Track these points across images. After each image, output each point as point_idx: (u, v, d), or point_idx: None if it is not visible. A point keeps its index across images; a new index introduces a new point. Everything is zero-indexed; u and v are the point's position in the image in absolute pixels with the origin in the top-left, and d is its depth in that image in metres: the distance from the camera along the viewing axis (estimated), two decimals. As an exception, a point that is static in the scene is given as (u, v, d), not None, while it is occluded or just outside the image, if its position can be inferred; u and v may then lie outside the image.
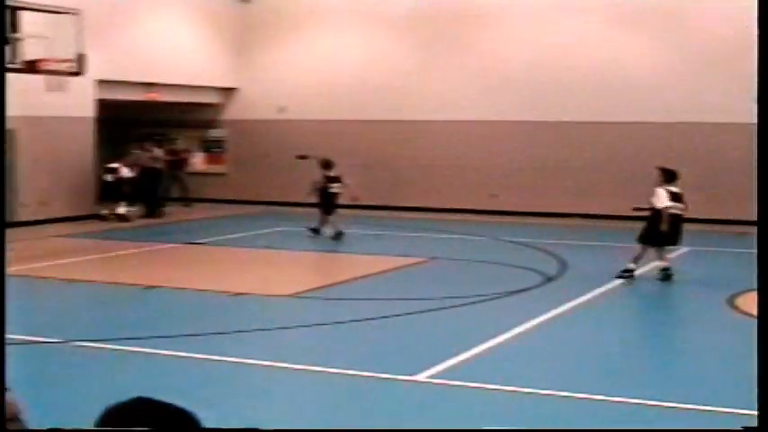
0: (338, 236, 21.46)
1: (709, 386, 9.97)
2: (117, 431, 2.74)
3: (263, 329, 12.61)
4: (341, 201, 22.04)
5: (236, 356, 10.89)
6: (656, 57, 25.53)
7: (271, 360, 10.68)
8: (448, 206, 27.25)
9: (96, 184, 25.47)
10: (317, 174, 22.06)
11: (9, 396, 3.14)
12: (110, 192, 25.31)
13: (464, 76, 27.45)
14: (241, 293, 14.81)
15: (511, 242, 21.34)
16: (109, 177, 25.22)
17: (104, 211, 25.11)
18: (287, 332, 12.63)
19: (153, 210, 26.57)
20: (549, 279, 16.50)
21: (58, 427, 3.16)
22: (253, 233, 22.60)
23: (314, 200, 22.17)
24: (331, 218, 21.79)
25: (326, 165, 22.19)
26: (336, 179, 21.99)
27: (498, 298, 14.82)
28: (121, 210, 25.02)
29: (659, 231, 16.01)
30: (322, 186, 21.94)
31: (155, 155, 27.34)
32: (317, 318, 13.39)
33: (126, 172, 25.40)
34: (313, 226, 21.89)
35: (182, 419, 2.72)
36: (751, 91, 5.97)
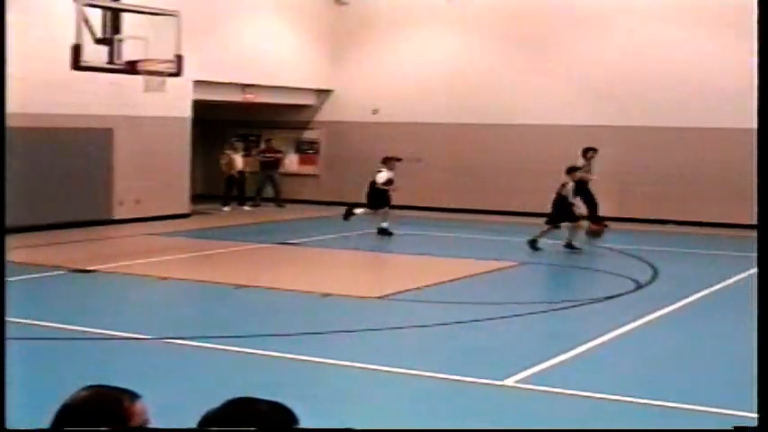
0: (382, 232, 22.77)
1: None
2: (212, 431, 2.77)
3: (350, 331, 12.65)
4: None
5: (322, 357, 10.94)
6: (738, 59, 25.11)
7: (357, 361, 10.69)
8: (539, 210, 27.03)
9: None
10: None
11: (140, 404, 3.13)
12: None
13: (556, 79, 27.27)
14: (330, 294, 14.89)
15: (602, 248, 21.13)
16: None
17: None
18: (374, 334, 12.65)
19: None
20: (641, 286, 16.32)
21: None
22: (343, 234, 22.68)
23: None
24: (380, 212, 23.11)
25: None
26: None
27: (588, 304, 14.70)
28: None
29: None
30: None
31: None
32: (405, 320, 13.38)
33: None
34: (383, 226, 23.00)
35: (277, 412, 2.78)
36: None
